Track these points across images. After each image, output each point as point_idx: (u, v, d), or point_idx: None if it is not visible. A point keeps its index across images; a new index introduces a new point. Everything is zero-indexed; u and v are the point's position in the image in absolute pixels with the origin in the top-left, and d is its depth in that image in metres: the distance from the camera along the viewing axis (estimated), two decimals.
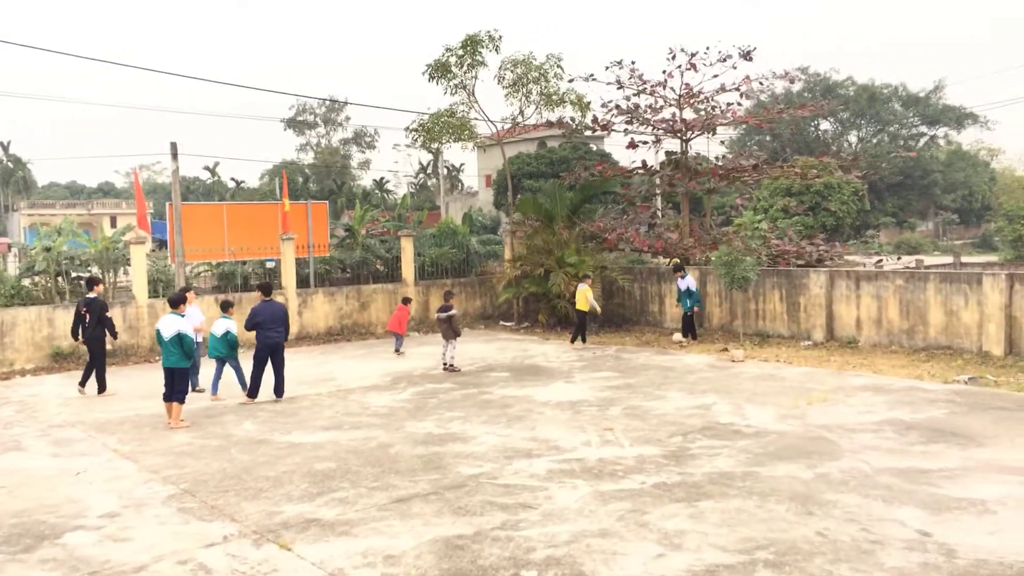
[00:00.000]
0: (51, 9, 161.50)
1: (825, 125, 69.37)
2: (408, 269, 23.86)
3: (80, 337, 14.99)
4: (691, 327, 19.62)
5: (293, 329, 21.36)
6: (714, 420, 11.63)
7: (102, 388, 14.93)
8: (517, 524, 7.75)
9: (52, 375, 17.33)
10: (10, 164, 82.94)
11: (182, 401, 12.20)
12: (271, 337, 13.57)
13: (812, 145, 62.99)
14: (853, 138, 70.29)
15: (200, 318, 14.36)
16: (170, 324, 12.03)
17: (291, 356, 18.37)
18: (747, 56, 23.43)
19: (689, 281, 19.54)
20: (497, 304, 24.57)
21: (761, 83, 24.22)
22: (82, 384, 14.94)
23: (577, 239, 22.71)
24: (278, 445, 10.93)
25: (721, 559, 6.79)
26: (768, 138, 64.50)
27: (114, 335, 15.26)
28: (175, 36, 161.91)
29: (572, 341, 19.41)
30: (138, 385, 15.46)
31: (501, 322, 24.34)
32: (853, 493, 8.32)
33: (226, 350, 14.03)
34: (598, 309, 19.42)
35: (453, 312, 16.53)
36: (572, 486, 8.83)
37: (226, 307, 14.49)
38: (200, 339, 14.29)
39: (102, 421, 12.62)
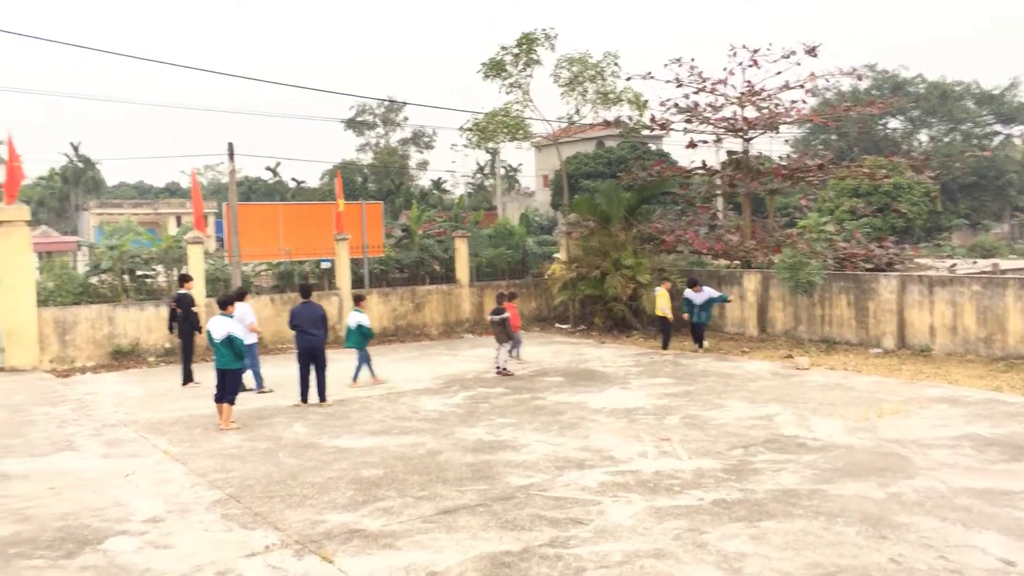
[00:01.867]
0: (96, 10, 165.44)
1: (894, 123, 67.35)
2: (463, 270, 23.65)
3: (174, 331, 15.79)
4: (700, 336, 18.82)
5: None
6: (777, 432, 11.10)
7: (186, 380, 15.40)
8: (567, 541, 7.39)
9: (111, 373, 17.51)
10: (80, 164, 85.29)
11: (232, 402, 12.11)
12: (309, 340, 13.45)
13: (880, 144, 61.14)
14: (924, 137, 68.11)
15: (252, 318, 14.28)
16: (220, 326, 11.95)
17: (343, 357, 18.27)
18: (812, 52, 22.67)
19: (708, 292, 18.59)
20: (553, 306, 24.21)
21: (827, 79, 23.41)
22: (189, 380, 15.45)
23: (634, 241, 22.22)
24: (326, 450, 10.75)
25: None
26: (834, 137, 62.77)
27: (197, 329, 15.60)
28: (221, 35, 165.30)
29: (664, 347, 18.67)
30: (193, 384, 15.47)
31: (556, 324, 23.98)
32: (929, 515, 7.76)
33: (359, 341, 14.91)
34: (669, 315, 18.77)
35: (506, 315, 16.22)
36: (626, 500, 8.43)
37: (358, 300, 15.61)
38: (255, 339, 14.34)
39: (155, 421, 12.62)
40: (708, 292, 18.67)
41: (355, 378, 15.27)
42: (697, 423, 11.68)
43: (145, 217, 62.19)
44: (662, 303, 18.70)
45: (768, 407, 12.61)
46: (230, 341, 11.89)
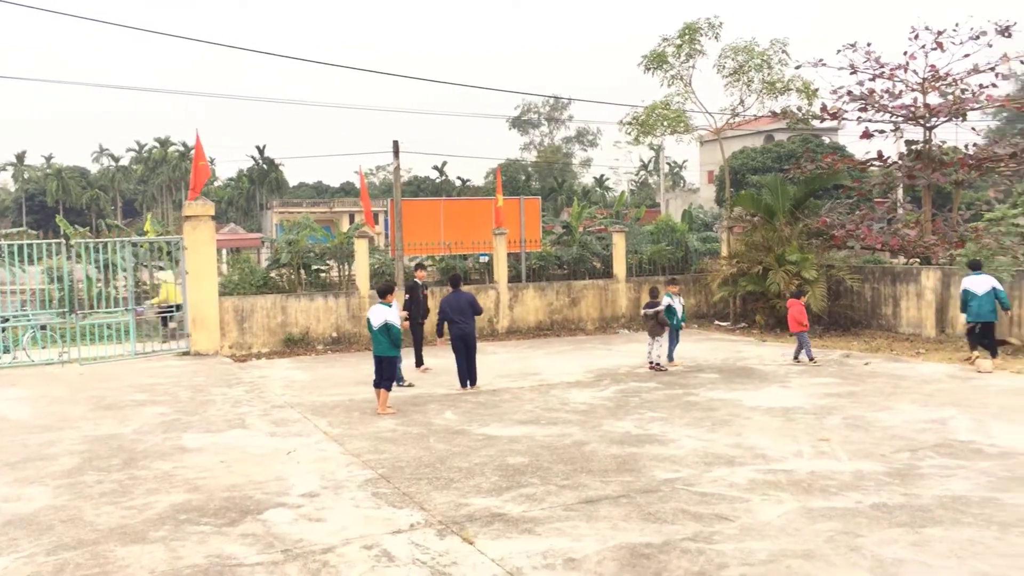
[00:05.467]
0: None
1: None
2: (620, 265, 23.45)
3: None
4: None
5: (504, 323, 21.66)
6: (951, 437, 10.30)
7: (418, 363, 16.31)
8: (711, 536, 7.15)
9: (283, 359, 18.56)
10: (265, 166, 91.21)
11: (389, 388, 12.53)
12: (460, 328, 13.87)
13: None
14: None
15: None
16: (378, 314, 12.40)
17: (498, 349, 18.57)
18: (1005, 32, 20.95)
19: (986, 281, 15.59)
20: (712, 303, 23.58)
21: (1023, 61, 21.41)
22: (420, 363, 16.41)
23: (800, 236, 21.28)
24: (475, 436, 10.93)
25: None
26: None
27: (423, 315, 16.39)
28: (385, 31, 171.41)
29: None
30: (355, 371, 16.17)
31: (716, 322, 23.33)
32: None
33: (673, 321, 16.29)
34: None
35: (660, 308, 15.94)
36: (776, 499, 8.06)
37: (671, 283, 17.12)
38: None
39: (318, 404, 13.27)
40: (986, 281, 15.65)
41: (670, 358, 16.32)
42: (860, 424, 11.03)
43: (321, 216, 65.63)
44: None
45: (942, 411, 11.73)
46: (387, 329, 12.30)
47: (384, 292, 12.86)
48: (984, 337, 15.59)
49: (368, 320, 12.64)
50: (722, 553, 6.76)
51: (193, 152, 20.05)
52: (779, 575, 6.31)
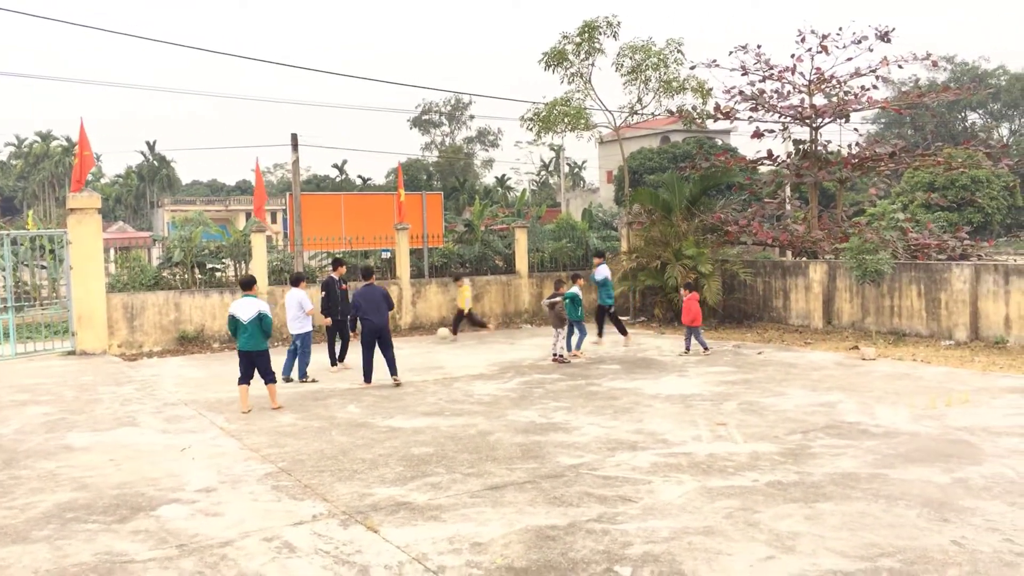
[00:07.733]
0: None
1: (973, 117, 65.20)
2: (522, 261, 23.57)
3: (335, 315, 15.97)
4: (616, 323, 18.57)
5: (407, 319, 21.46)
6: (839, 419, 10.74)
7: (341, 359, 15.80)
8: (615, 517, 7.24)
9: (176, 357, 17.90)
10: (155, 162, 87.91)
11: (273, 381, 12.13)
12: (370, 322, 13.59)
13: (959, 138, 59.11)
14: (1005, 131, 65.76)
15: (308, 304, 14.44)
16: (249, 306, 11.85)
17: (402, 344, 18.38)
18: (884, 37, 22.00)
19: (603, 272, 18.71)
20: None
21: (900, 66, 22.47)
22: (341, 360, 15.82)
23: (696, 231, 21.85)
24: (378, 429, 10.78)
25: (839, 565, 6.09)
26: (910, 131, 61.00)
27: (343, 311, 15.70)
28: (290, 31, 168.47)
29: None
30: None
31: (616, 316, 23.66)
32: (996, 500, 7.39)
33: (574, 313, 16.33)
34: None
35: (556, 299, 16.11)
36: (677, 481, 8.24)
37: (575, 278, 17.22)
38: (309, 327, 14.41)
39: (213, 401, 12.85)
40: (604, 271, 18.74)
41: (572, 348, 16.45)
42: (755, 409, 11.39)
43: (217, 214, 63.75)
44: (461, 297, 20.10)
45: (830, 395, 12.23)
46: (260, 320, 11.80)
47: (248, 284, 12.38)
48: (614, 318, 18.44)
49: (233, 316, 11.91)
50: (626, 532, 6.86)
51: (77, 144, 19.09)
52: (681, 551, 6.44)
